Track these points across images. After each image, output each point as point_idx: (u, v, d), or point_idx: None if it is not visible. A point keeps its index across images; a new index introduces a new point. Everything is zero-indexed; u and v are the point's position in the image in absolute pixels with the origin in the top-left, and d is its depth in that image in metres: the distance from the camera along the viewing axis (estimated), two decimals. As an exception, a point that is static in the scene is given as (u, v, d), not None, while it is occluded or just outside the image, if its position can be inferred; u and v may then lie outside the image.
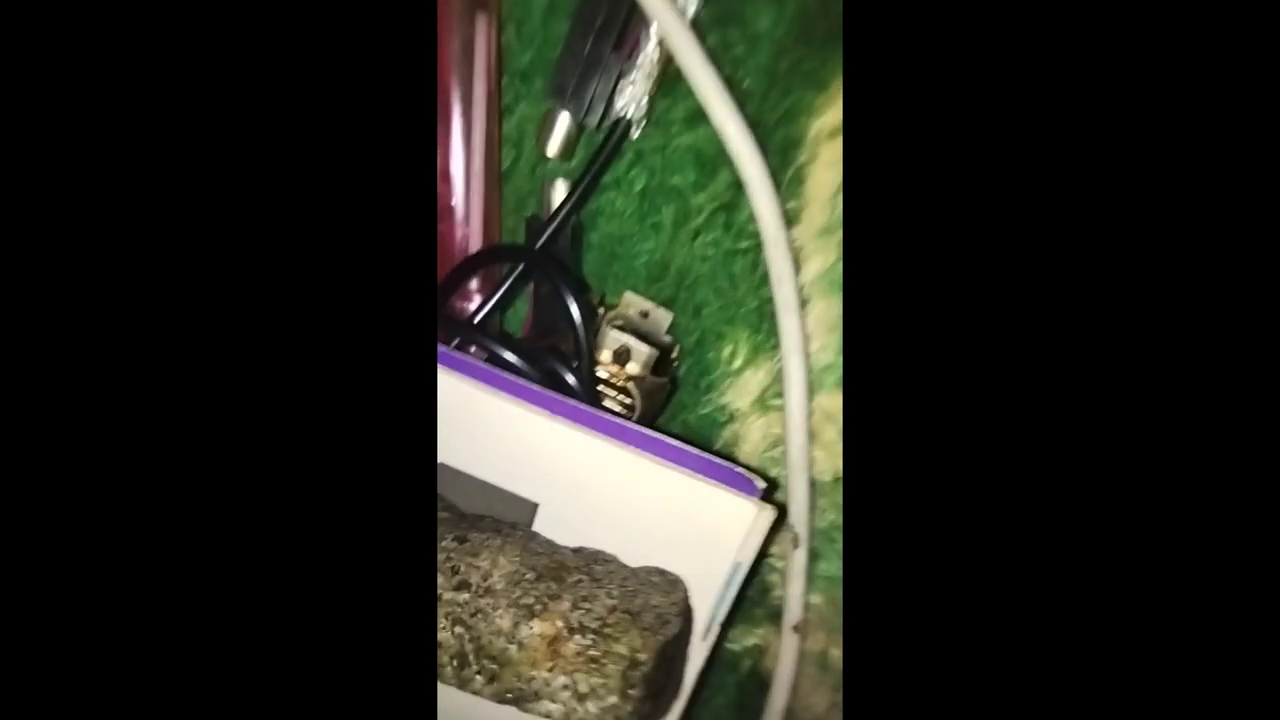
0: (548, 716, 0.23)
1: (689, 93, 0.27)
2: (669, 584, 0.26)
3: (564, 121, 0.29)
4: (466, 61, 0.29)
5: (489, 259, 0.28)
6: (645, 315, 0.29)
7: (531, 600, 0.23)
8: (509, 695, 0.23)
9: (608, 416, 0.27)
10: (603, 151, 0.29)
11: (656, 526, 0.27)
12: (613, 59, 0.27)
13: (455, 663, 0.23)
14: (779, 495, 0.29)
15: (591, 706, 0.23)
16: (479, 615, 0.23)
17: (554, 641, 0.23)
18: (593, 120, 0.28)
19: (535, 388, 0.27)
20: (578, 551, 0.26)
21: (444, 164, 0.29)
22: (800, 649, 0.30)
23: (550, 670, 0.23)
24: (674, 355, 0.29)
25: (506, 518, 0.26)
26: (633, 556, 0.26)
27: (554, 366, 0.27)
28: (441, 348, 0.27)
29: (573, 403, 0.27)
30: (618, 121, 0.28)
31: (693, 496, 0.26)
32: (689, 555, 0.27)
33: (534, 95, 0.29)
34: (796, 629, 0.30)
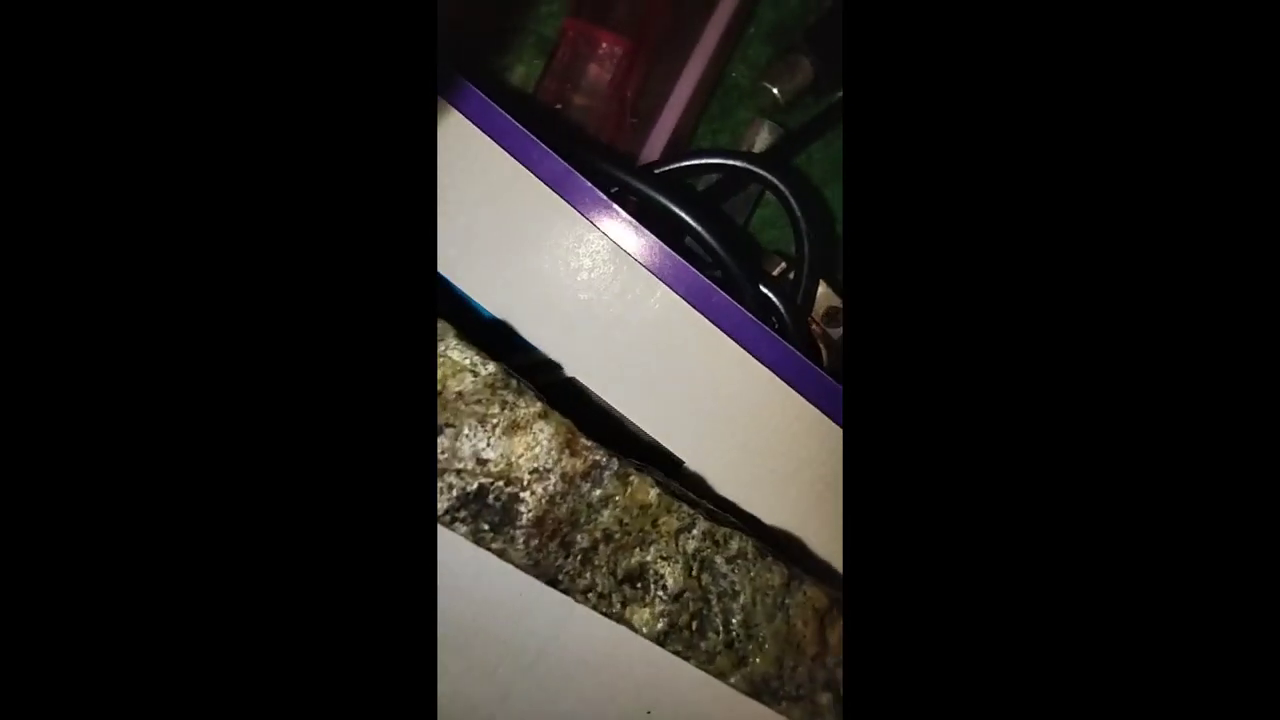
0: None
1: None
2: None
3: (803, 70, 0.27)
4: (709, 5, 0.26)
5: (722, 155, 0.24)
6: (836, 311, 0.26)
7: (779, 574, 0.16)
8: (757, 689, 0.15)
9: (809, 364, 0.22)
10: (821, 120, 0.27)
11: (818, 506, 0.22)
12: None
13: (685, 628, 0.15)
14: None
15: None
16: (740, 561, 0.15)
17: (823, 618, 0.16)
18: (824, 85, 0.27)
19: (740, 311, 0.21)
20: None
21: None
22: None
23: (815, 658, 0.16)
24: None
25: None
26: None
27: (766, 291, 0.22)
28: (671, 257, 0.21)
29: (778, 341, 0.22)
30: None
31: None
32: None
33: (773, 34, 0.27)
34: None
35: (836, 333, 0.24)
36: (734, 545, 0.16)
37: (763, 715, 0.18)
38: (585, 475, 0.15)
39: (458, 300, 0.20)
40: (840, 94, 0.28)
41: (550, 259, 0.20)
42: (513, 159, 0.21)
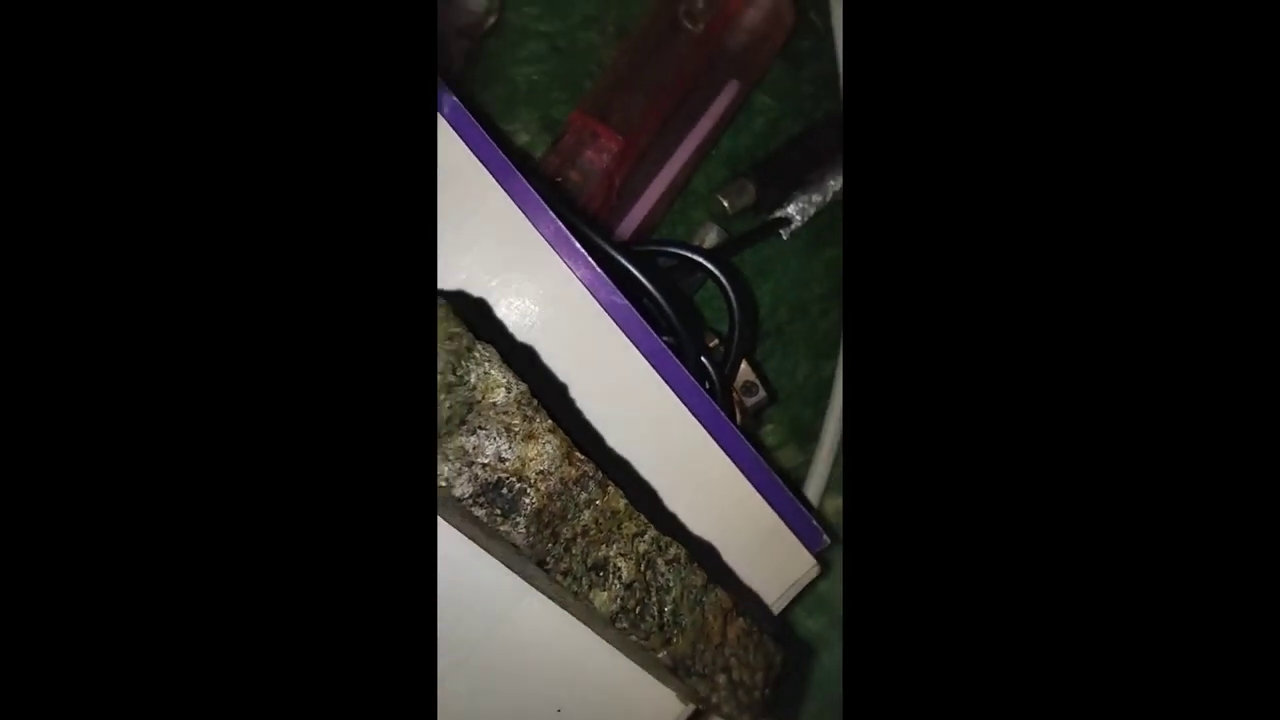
0: (694, 695, 0.20)
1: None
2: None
3: (748, 193, 0.34)
4: (701, 104, 0.33)
5: (682, 248, 0.29)
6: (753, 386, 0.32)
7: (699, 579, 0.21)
8: (675, 666, 0.19)
9: (730, 424, 0.28)
10: (757, 232, 0.34)
11: (724, 534, 0.27)
12: (812, 178, 0.34)
13: (632, 611, 0.19)
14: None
15: (742, 696, 0.21)
16: (674, 564, 0.20)
17: (727, 615, 0.21)
18: (763, 206, 0.34)
19: (674, 361, 0.27)
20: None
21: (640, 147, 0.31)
22: None
23: (718, 646, 0.21)
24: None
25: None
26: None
27: (704, 360, 0.28)
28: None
29: (710, 401, 0.27)
30: (780, 219, 0.35)
31: (763, 526, 0.28)
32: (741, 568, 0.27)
33: (729, 160, 0.34)
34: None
35: (749, 399, 0.30)
36: (671, 551, 0.21)
37: (654, 693, 0.23)
38: (576, 481, 0.19)
39: (497, 323, 0.24)
40: (773, 215, 0.35)
41: (537, 303, 0.24)
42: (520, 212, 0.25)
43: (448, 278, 0.25)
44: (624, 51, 0.32)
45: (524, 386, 0.19)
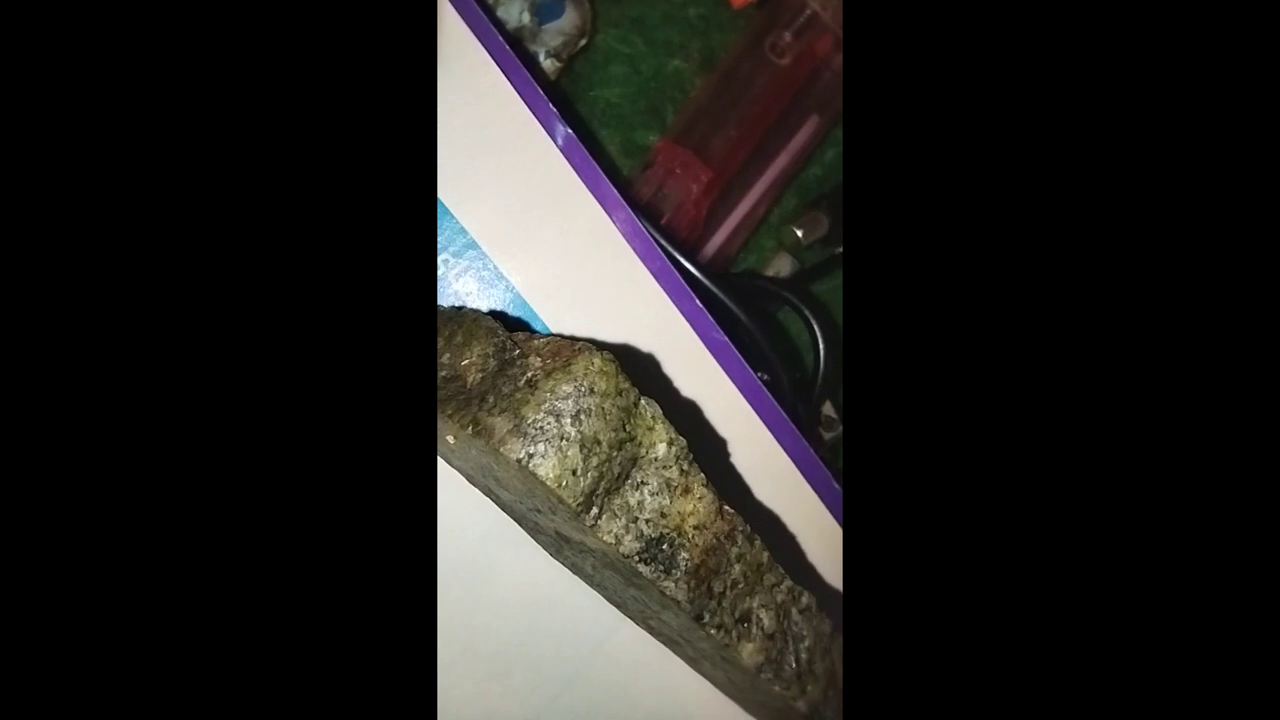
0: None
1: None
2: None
3: (822, 225, 0.34)
4: (783, 138, 0.33)
5: (768, 281, 0.29)
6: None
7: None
8: (813, 713, 0.20)
9: (820, 463, 0.28)
10: (830, 263, 0.35)
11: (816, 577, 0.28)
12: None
13: (775, 662, 0.19)
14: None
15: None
16: (807, 613, 0.20)
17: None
18: (835, 238, 0.35)
19: (772, 401, 0.27)
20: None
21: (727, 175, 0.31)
22: None
23: (838, 691, 0.21)
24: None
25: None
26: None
27: (796, 395, 0.28)
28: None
29: (802, 440, 0.28)
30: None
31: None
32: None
33: (799, 189, 0.35)
34: None
35: (827, 434, 0.31)
36: (804, 600, 0.21)
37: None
38: (728, 535, 0.19)
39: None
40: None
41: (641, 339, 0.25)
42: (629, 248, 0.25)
43: (572, 323, 0.25)
44: (711, 82, 0.32)
45: (684, 442, 0.19)
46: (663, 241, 0.26)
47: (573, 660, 0.25)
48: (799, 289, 0.30)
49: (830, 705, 0.21)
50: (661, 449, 0.18)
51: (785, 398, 0.28)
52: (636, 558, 0.18)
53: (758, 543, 0.20)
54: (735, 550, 0.19)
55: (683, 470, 0.19)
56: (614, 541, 0.17)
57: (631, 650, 0.26)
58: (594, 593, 0.26)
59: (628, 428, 0.18)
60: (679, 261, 0.27)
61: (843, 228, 0.34)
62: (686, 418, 0.26)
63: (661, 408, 0.19)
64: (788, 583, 0.21)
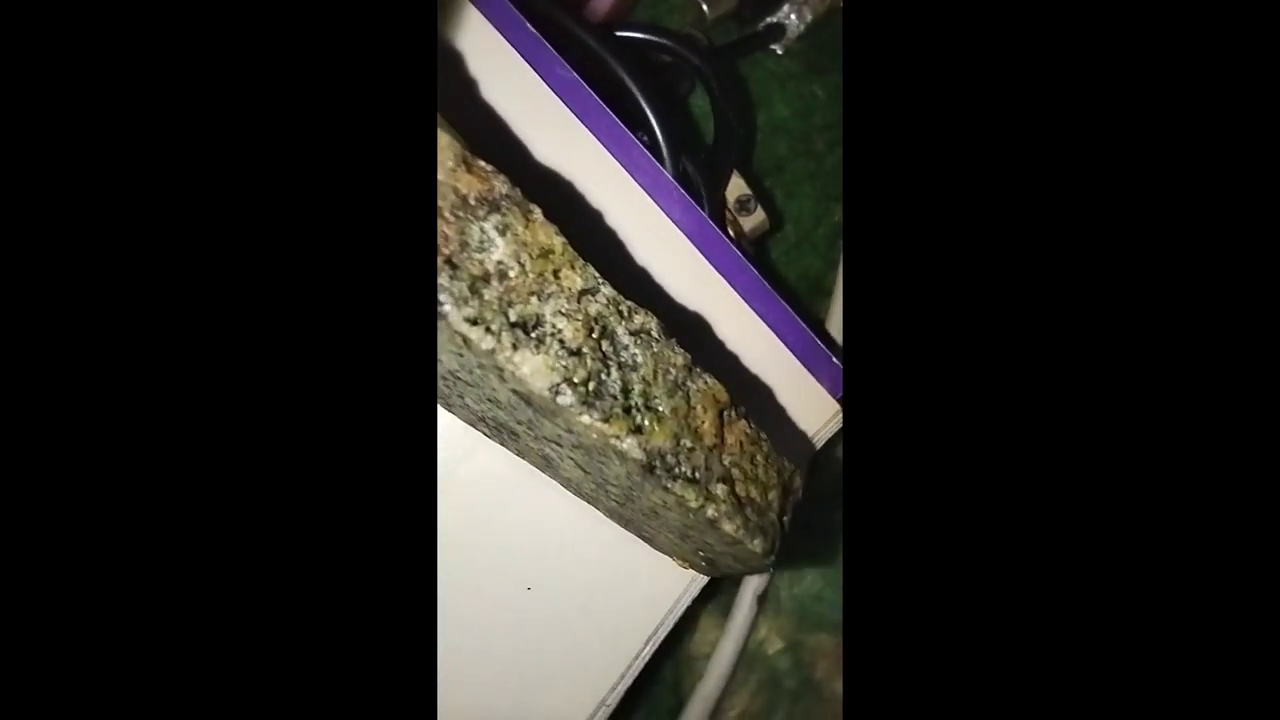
0: (688, 507, 0.14)
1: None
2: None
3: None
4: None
5: (673, 38, 0.24)
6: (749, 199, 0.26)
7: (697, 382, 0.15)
8: (651, 461, 0.14)
9: (729, 243, 0.22)
10: (747, 42, 0.29)
11: (753, 379, 0.22)
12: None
13: (581, 386, 0.13)
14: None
15: (751, 516, 0.15)
16: (643, 337, 0.14)
17: (722, 412, 0.15)
18: (748, 14, 0.29)
19: (648, 159, 0.21)
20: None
21: None
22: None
23: (712, 450, 0.15)
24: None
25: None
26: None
27: (689, 168, 0.22)
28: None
29: (709, 223, 0.22)
30: (772, 28, 0.29)
31: (772, 360, 0.22)
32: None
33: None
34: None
35: (744, 217, 0.24)
36: (638, 320, 0.15)
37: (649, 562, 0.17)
38: (482, 198, 0.14)
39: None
40: (763, 23, 0.30)
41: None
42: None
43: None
44: None
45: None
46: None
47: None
48: (690, 46, 0.25)
49: (690, 461, 0.15)
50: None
51: (669, 162, 0.22)
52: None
53: (537, 218, 0.14)
54: (497, 220, 0.14)
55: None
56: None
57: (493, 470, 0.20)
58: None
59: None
60: (551, 12, 0.22)
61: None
62: (542, 182, 0.21)
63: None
64: (608, 291, 0.15)
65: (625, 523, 0.20)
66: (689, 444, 0.15)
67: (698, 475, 0.15)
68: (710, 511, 0.15)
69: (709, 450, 0.15)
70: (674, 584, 0.22)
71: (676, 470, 0.14)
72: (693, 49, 0.25)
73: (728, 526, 0.15)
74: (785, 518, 0.16)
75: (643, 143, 0.22)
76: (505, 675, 0.21)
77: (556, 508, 0.20)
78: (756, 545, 0.15)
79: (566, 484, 0.19)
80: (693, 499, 0.14)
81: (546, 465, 0.19)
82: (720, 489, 0.15)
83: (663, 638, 0.22)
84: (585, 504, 0.20)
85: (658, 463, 0.14)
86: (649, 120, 0.23)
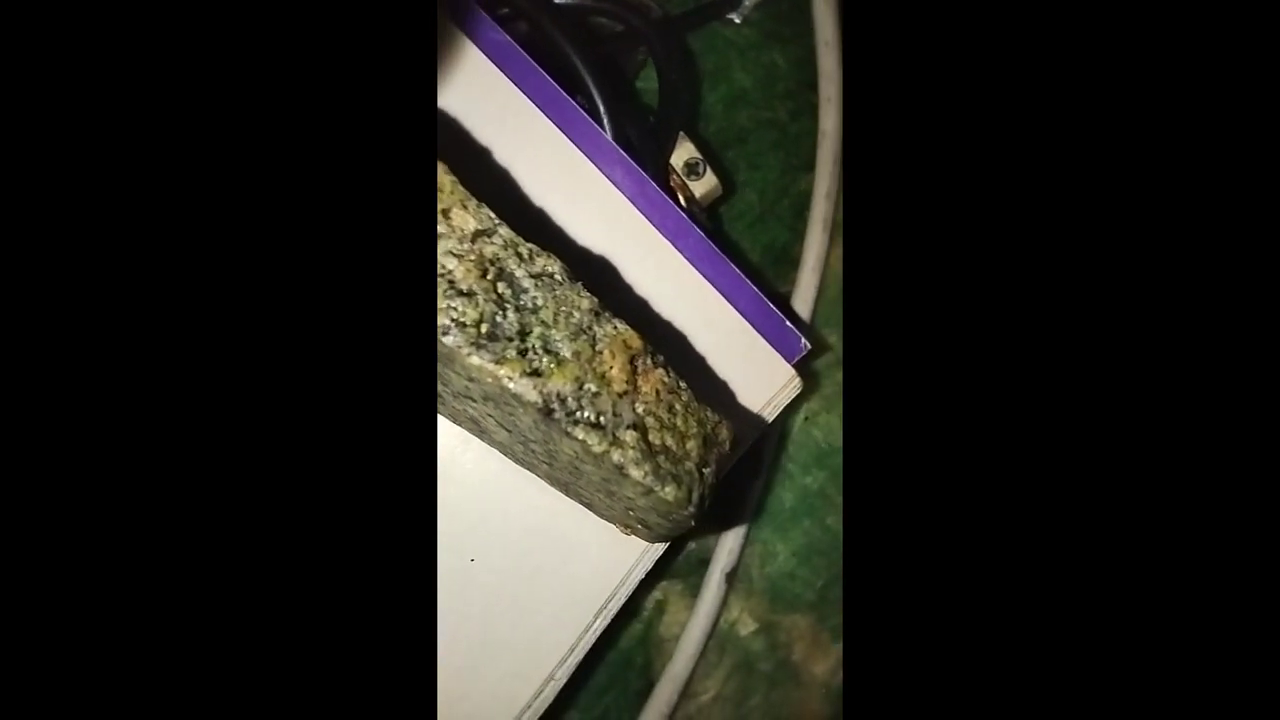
0: (593, 453, 0.13)
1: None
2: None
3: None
4: None
5: (616, 2, 0.23)
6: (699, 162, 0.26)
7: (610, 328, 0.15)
8: (548, 404, 0.13)
9: (672, 204, 0.22)
10: (702, 11, 0.28)
11: (701, 345, 0.21)
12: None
13: (471, 327, 0.13)
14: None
15: (664, 463, 0.14)
16: (545, 281, 0.14)
17: (635, 359, 0.15)
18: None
19: (585, 120, 0.21)
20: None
21: None
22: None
23: (622, 395, 0.14)
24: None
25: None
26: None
27: (630, 132, 0.22)
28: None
29: (652, 185, 0.21)
30: (726, -2, 0.29)
31: (721, 325, 0.22)
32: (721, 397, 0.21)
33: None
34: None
35: (693, 180, 0.24)
36: (540, 263, 0.15)
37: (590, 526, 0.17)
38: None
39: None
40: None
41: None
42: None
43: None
44: None
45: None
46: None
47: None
48: (635, 12, 0.24)
49: (595, 406, 0.14)
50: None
51: (607, 123, 0.22)
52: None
53: (471, 205, 0.14)
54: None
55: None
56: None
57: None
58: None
59: None
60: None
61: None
62: (474, 154, 0.20)
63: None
64: (506, 233, 0.14)
65: (564, 488, 0.19)
66: (593, 388, 0.14)
67: (603, 420, 0.14)
68: (616, 456, 0.14)
69: (618, 396, 0.15)
70: (626, 554, 0.22)
71: (578, 415, 0.14)
72: (635, 13, 0.24)
73: (635, 472, 0.14)
74: (707, 469, 0.16)
75: (580, 106, 0.22)
76: (448, 650, 0.20)
77: (499, 476, 0.20)
78: (669, 492, 0.15)
79: (501, 449, 0.19)
80: (596, 443, 0.14)
81: (478, 430, 0.18)
82: (629, 435, 0.14)
83: (615, 610, 0.21)
84: (527, 472, 0.20)
85: (556, 405, 0.14)
86: (585, 83, 0.22)
